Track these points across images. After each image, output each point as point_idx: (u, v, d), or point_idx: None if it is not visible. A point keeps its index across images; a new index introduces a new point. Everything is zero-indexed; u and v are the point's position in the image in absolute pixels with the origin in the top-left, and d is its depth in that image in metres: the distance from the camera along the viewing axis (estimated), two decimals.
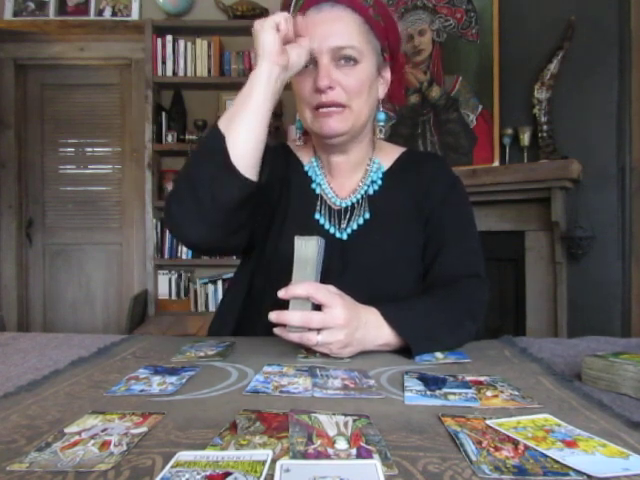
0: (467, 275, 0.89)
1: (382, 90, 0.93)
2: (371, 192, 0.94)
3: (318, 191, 0.95)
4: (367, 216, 0.92)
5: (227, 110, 0.81)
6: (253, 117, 0.78)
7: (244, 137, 0.77)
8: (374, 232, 0.91)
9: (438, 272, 0.90)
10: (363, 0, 0.86)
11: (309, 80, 0.85)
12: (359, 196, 0.94)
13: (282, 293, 0.68)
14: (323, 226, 0.92)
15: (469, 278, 0.88)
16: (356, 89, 0.85)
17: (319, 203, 0.94)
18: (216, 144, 0.77)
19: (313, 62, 0.84)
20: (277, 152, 0.98)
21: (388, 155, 0.99)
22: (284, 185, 0.96)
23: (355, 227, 0.92)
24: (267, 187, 0.86)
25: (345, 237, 0.92)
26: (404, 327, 0.73)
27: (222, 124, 0.79)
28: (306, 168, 0.98)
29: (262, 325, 0.91)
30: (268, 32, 0.76)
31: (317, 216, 0.93)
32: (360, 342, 0.71)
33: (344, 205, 0.94)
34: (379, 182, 0.95)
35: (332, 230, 0.92)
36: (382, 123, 0.95)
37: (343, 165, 0.96)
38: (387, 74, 0.94)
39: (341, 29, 0.84)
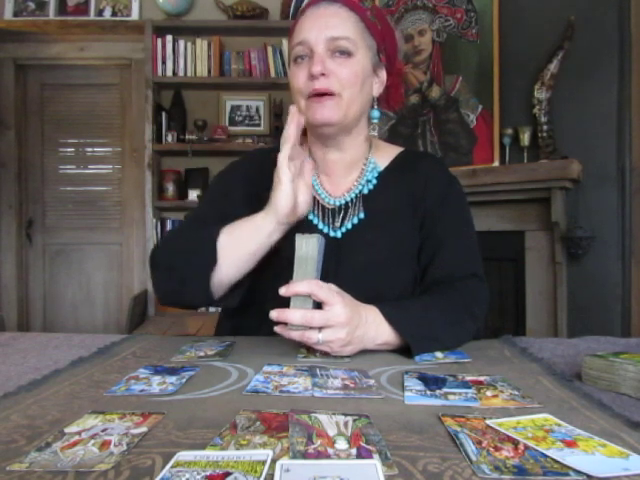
0: (466, 275, 0.89)
1: (377, 89, 0.94)
2: (366, 191, 0.94)
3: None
4: (362, 216, 0.92)
5: (234, 226, 0.83)
6: (244, 261, 0.83)
7: (230, 274, 0.83)
8: (369, 231, 0.91)
9: (436, 272, 0.90)
10: (361, 2, 0.88)
11: (304, 70, 0.86)
12: (353, 195, 0.94)
13: (283, 290, 0.69)
14: (316, 226, 0.92)
15: (468, 278, 0.89)
16: (349, 79, 0.86)
17: (312, 204, 0.93)
18: (203, 268, 0.81)
19: (309, 52, 0.85)
20: (269, 159, 0.98)
21: (385, 155, 0.99)
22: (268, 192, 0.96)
23: (350, 226, 0.92)
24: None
25: (339, 235, 0.91)
26: (404, 326, 0.74)
27: (221, 243, 0.81)
28: None
29: (263, 325, 0.91)
30: (283, 192, 0.81)
31: (310, 217, 0.93)
32: (360, 340, 0.72)
33: (338, 204, 0.94)
34: (374, 181, 0.95)
35: (326, 230, 0.92)
36: (376, 120, 0.95)
37: (339, 163, 0.95)
38: (383, 74, 0.94)
39: (337, 22, 0.86)
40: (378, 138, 1.01)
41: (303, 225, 0.92)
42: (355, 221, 0.92)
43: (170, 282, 0.84)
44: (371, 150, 0.98)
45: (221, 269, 0.81)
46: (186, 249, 0.84)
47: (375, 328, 0.73)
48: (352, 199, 0.94)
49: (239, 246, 0.82)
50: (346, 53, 0.85)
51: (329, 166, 0.96)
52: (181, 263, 0.83)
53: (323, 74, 0.84)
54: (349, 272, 0.88)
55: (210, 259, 0.81)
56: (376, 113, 0.95)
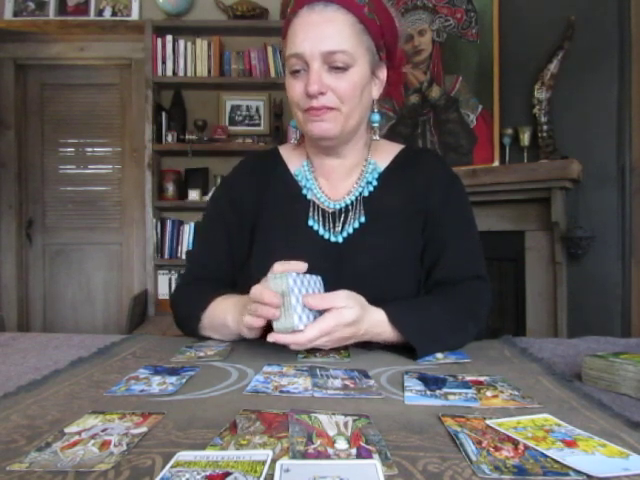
0: (470, 277, 0.88)
1: (376, 90, 0.91)
2: (366, 193, 0.92)
3: (309, 196, 0.93)
4: (363, 219, 0.90)
5: (213, 315, 0.86)
6: (229, 338, 0.87)
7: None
8: (371, 234, 0.89)
9: (440, 275, 0.89)
10: None
11: (300, 84, 0.84)
12: (353, 198, 0.92)
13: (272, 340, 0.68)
14: (317, 232, 0.90)
15: (472, 280, 0.88)
16: (347, 93, 0.83)
17: (311, 209, 0.92)
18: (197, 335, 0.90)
19: (305, 65, 0.83)
20: (256, 168, 0.99)
21: (385, 154, 0.97)
22: (265, 199, 0.95)
23: (351, 230, 0.90)
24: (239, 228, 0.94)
25: (341, 240, 0.90)
26: (409, 330, 0.74)
27: (203, 325, 0.87)
28: (296, 173, 0.96)
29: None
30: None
31: (310, 222, 0.91)
32: (361, 336, 0.73)
33: (338, 207, 0.92)
34: (374, 183, 0.93)
35: (327, 235, 0.90)
36: (377, 124, 0.93)
37: (338, 168, 0.94)
38: (382, 74, 0.91)
39: (333, 32, 0.81)
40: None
41: (303, 231, 0.91)
42: (356, 225, 0.90)
43: (182, 331, 0.96)
44: (370, 151, 0.96)
45: (213, 338, 0.88)
46: (182, 322, 0.94)
47: (381, 328, 0.74)
48: (352, 202, 0.92)
49: (219, 333, 0.87)
50: (343, 68, 0.82)
51: (328, 170, 0.95)
52: (183, 330, 0.95)
53: (321, 92, 0.82)
54: (351, 277, 0.85)
55: (198, 334, 0.89)
56: (376, 117, 0.92)
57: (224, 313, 0.83)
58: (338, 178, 0.95)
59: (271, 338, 0.67)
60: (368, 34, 0.85)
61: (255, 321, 0.70)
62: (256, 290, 0.69)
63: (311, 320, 0.68)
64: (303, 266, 0.71)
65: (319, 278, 0.76)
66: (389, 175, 0.95)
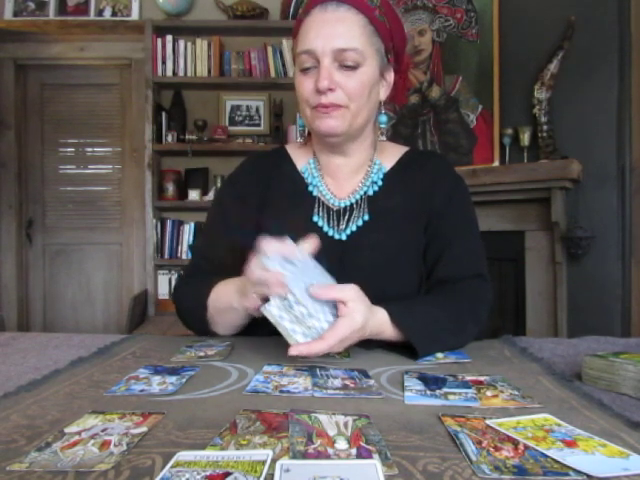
0: (471, 276, 0.89)
1: (384, 92, 0.93)
2: (371, 193, 0.94)
3: (315, 193, 0.95)
4: (366, 217, 0.91)
5: (217, 297, 0.86)
6: (235, 326, 0.89)
7: (228, 332, 0.90)
8: (374, 233, 0.90)
9: (442, 273, 0.90)
10: (369, 0, 0.86)
11: (310, 80, 0.85)
12: (358, 196, 0.93)
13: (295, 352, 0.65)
14: (322, 228, 0.92)
15: (473, 279, 0.89)
16: (356, 92, 0.85)
17: (317, 205, 0.93)
18: (204, 329, 0.90)
19: (316, 63, 0.84)
20: (260, 165, 1.00)
21: (390, 155, 0.99)
22: (270, 194, 0.96)
23: (354, 228, 0.91)
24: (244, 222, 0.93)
25: (344, 238, 0.91)
26: (411, 330, 0.74)
27: (210, 314, 0.87)
28: (302, 170, 0.98)
29: (264, 325, 0.91)
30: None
31: (315, 218, 0.92)
32: (365, 335, 0.73)
33: (343, 205, 0.93)
34: (379, 183, 0.95)
35: (331, 232, 0.91)
36: (384, 125, 0.95)
37: (344, 167, 0.96)
38: (390, 76, 0.93)
39: (344, 30, 0.83)
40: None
41: (308, 227, 0.91)
42: (360, 223, 0.91)
43: (188, 326, 0.96)
44: (376, 152, 0.98)
45: (218, 330, 0.89)
46: (188, 314, 0.94)
47: (382, 327, 0.74)
48: (357, 200, 0.93)
49: (224, 319, 0.87)
50: (353, 64, 0.84)
51: (334, 169, 0.96)
52: (189, 324, 0.94)
53: (330, 89, 0.83)
54: (353, 274, 0.85)
55: (206, 326, 0.89)
56: (384, 118, 0.94)
57: (228, 296, 0.83)
58: (344, 177, 0.96)
59: (294, 351, 0.64)
60: (378, 36, 0.87)
61: (256, 302, 0.72)
62: (258, 274, 0.69)
63: (325, 316, 0.68)
64: (293, 249, 0.71)
65: (318, 265, 0.75)
66: (394, 176, 0.96)
